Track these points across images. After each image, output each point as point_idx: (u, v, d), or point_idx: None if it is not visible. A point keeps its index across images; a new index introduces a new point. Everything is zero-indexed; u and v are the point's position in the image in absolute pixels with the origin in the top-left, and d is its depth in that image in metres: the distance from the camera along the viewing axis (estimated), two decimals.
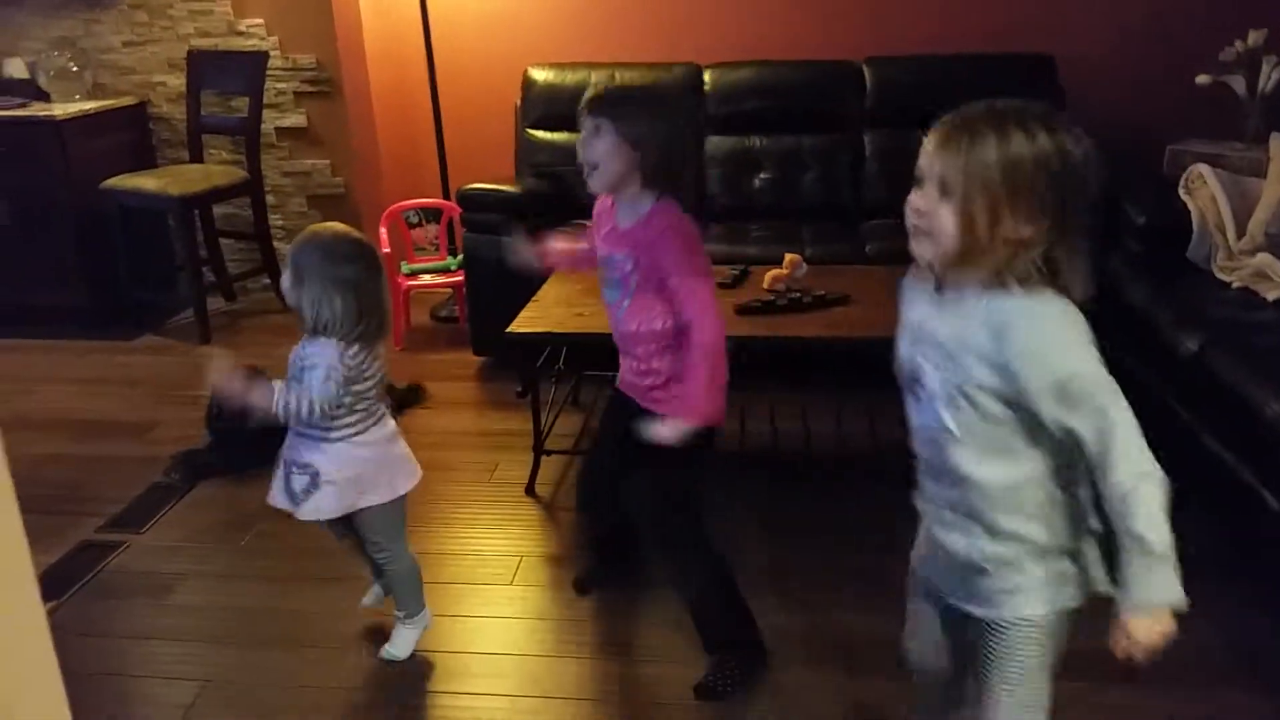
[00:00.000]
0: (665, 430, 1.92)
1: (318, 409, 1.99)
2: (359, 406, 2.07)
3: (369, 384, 2.07)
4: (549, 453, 2.99)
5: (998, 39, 3.95)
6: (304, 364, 2.02)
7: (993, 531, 1.39)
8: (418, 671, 2.25)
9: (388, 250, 4.07)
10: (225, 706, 2.16)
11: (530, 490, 2.96)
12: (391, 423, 2.18)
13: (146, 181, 4.18)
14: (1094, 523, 1.38)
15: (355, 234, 2.06)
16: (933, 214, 1.31)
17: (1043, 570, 1.40)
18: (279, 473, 2.14)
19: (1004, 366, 1.29)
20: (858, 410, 3.27)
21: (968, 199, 1.27)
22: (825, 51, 4.10)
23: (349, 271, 1.98)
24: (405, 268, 4.18)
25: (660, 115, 1.97)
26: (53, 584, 2.56)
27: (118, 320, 4.37)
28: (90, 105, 4.34)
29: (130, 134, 4.55)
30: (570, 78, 4.16)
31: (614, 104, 1.96)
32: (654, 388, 2.10)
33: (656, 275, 1.98)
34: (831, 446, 3.18)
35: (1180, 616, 1.30)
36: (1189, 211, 3.16)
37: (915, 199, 1.33)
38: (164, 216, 4.26)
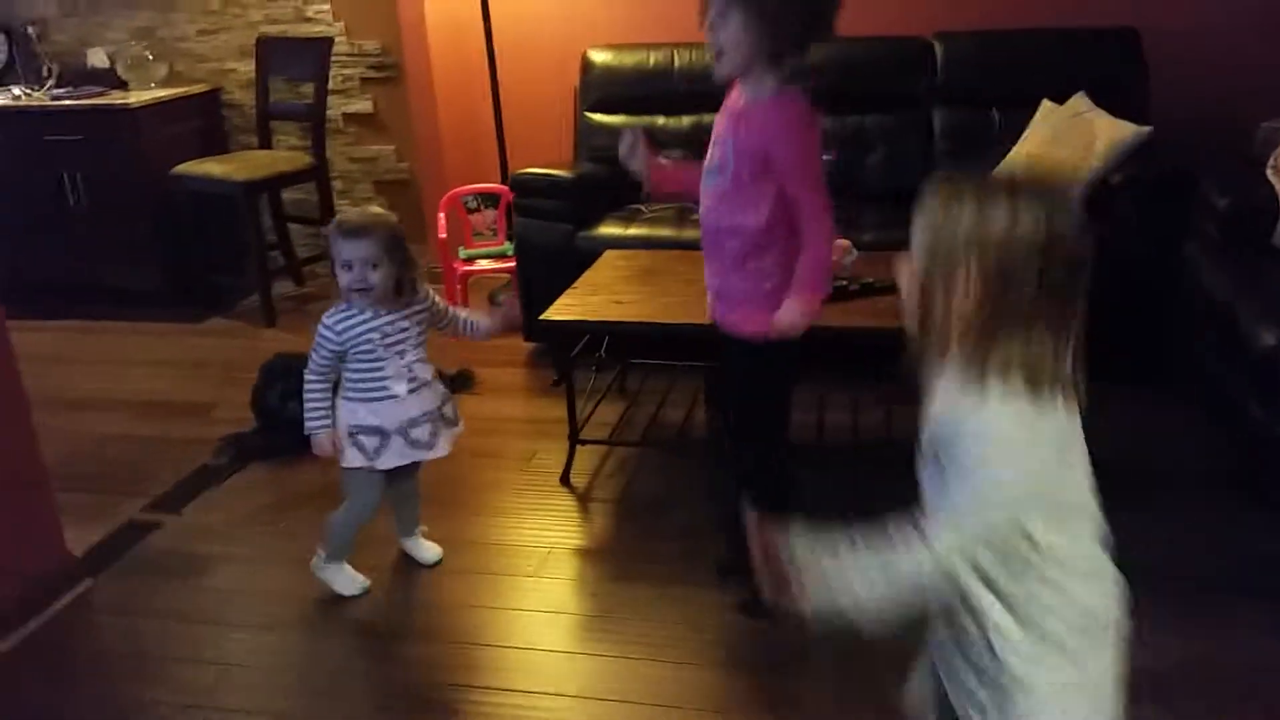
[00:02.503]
0: (784, 318, 1.97)
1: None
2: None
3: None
4: (584, 442, 2.93)
5: (1077, 12, 3.71)
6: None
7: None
8: (440, 662, 2.22)
9: (444, 235, 4.07)
10: (248, 691, 2.17)
11: (565, 480, 2.91)
12: None
13: (214, 167, 4.26)
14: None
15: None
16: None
17: None
18: (423, 429, 2.33)
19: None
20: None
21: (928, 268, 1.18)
22: (893, 26, 3.92)
23: None
24: (462, 253, 4.17)
25: None
26: (92, 562, 2.62)
27: (188, 302, 4.48)
28: (163, 93, 4.45)
29: (202, 120, 4.65)
30: (629, 59, 4.09)
31: None
32: (734, 302, 2.07)
33: (762, 163, 1.92)
34: (876, 440, 3.05)
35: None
36: (1278, 194, 2.92)
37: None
38: (233, 201, 4.35)
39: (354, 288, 2.19)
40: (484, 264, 4.14)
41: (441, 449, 2.38)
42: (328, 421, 2.30)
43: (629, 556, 2.57)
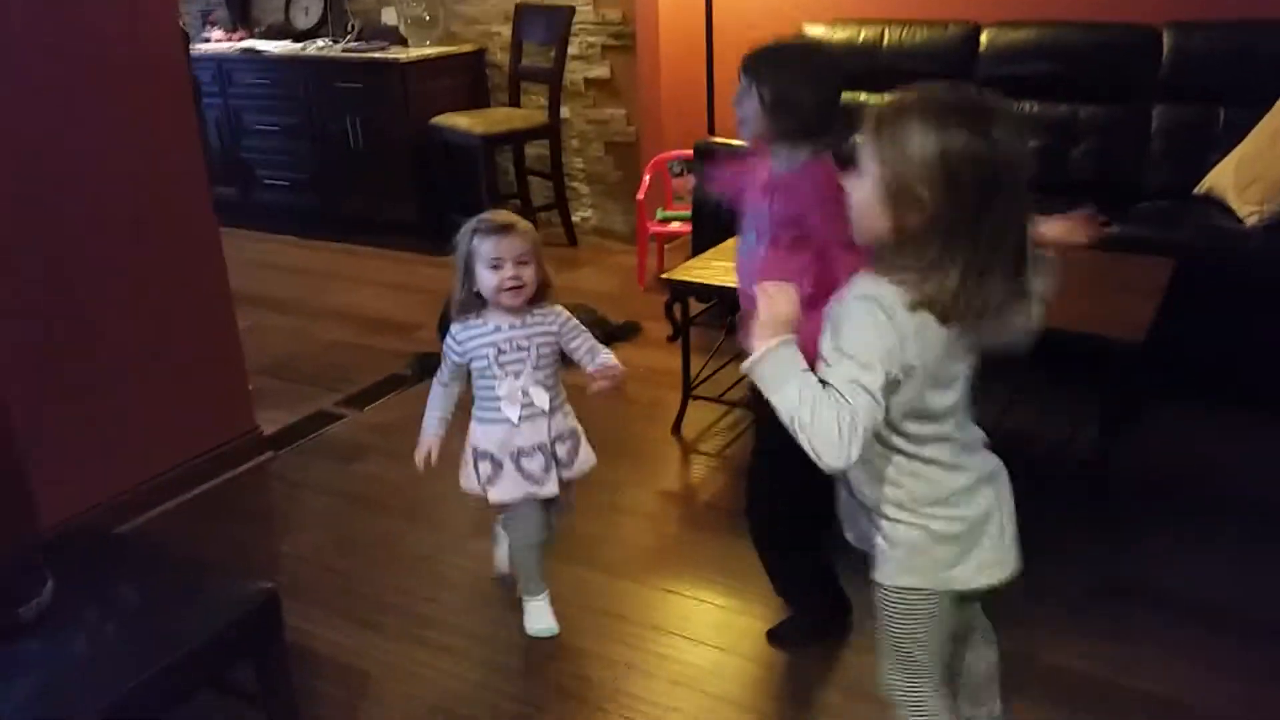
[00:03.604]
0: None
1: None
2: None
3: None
4: (697, 398, 3.13)
5: None
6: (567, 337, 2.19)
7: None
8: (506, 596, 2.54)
9: (642, 196, 4.35)
10: (353, 557, 2.63)
11: (676, 430, 3.12)
12: None
13: (461, 120, 4.80)
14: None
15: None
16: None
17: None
18: (534, 460, 2.17)
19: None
20: (1043, 404, 3.04)
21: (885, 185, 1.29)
22: (1120, 12, 3.69)
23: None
24: (660, 214, 4.44)
25: (804, 78, 1.95)
26: (279, 439, 3.19)
27: (434, 237, 5.08)
28: (432, 51, 5.05)
29: (467, 77, 5.21)
30: (841, 34, 4.14)
31: (760, 64, 1.98)
32: None
33: (799, 229, 2.00)
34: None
35: None
36: None
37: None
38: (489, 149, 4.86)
39: (507, 286, 2.07)
40: (675, 225, 4.38)
41: (550, 488, 2.19)
42: (431, 431, 2.26)
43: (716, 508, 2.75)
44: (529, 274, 2.08)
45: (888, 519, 1.43)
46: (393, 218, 5.12)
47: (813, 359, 1.43)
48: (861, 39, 4.09)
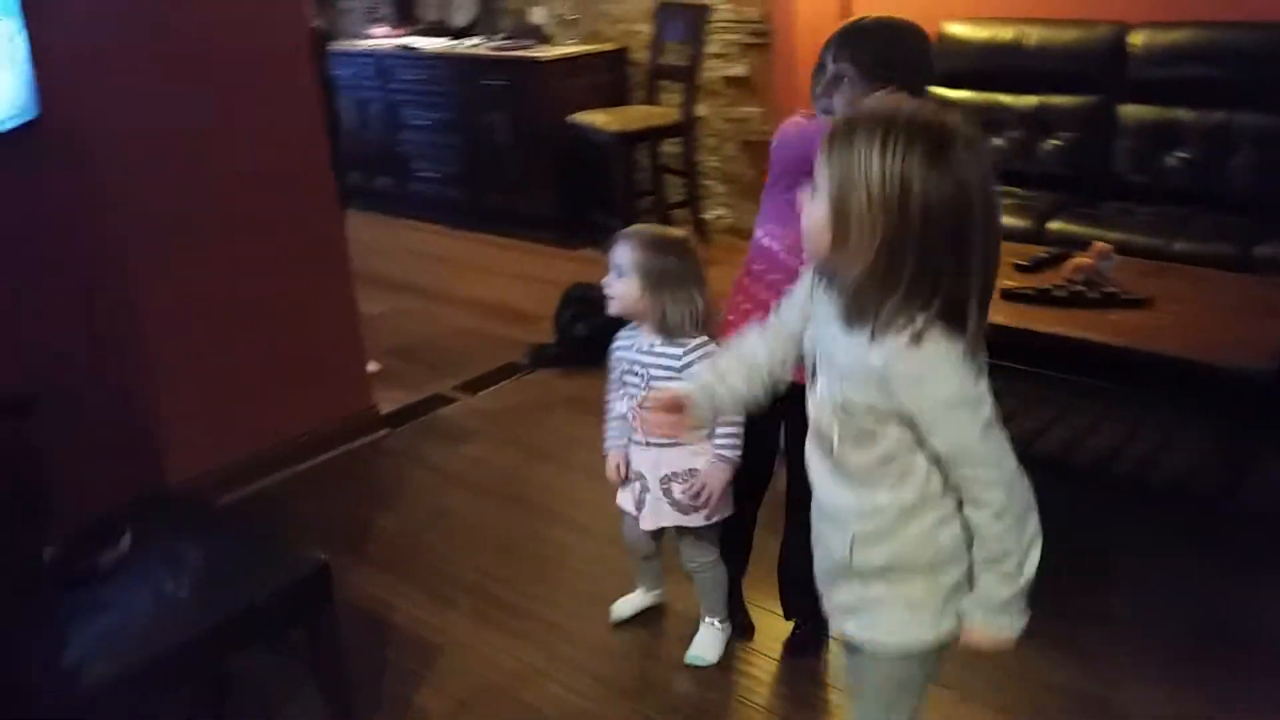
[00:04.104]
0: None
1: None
2: None
3: None
4: None
5: None
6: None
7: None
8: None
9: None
10: (448, 531, 2.76)
11: None
12: None
13: (598, 117, 4.89)
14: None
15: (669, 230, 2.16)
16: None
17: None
18: (650, 494, 2.08)
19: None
20: (1164, 436, 2.86)
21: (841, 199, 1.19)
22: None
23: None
24: None
25: (907, 56, 1.87)
26: (396, 417, 3.37)
27: (570, 232, 5.22)
28: (574, 49, 5.17)
29: (607, 75, 5.31)
30: (982, 33, 4.01)
31: (854, 37, 1.90)
32: None
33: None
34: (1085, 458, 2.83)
35: None
36: None
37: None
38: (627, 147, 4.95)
39: (603, 291, 2.04)
40: None
41: (645, 523, 2.11)
42: (609, 442, 2.17)
43: None
44: (621, 287, 1.99)
45: (896, 581, 1.34)
46: (532, 211, 5.28)
47: None
48: (1002, 38, 3.94)
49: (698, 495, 2.01)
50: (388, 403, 3.40)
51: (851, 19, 2.01)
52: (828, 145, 1.22)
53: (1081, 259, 2.76)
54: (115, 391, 2.64)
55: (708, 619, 2.24)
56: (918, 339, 1.19)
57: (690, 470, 2.02)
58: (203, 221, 2.73)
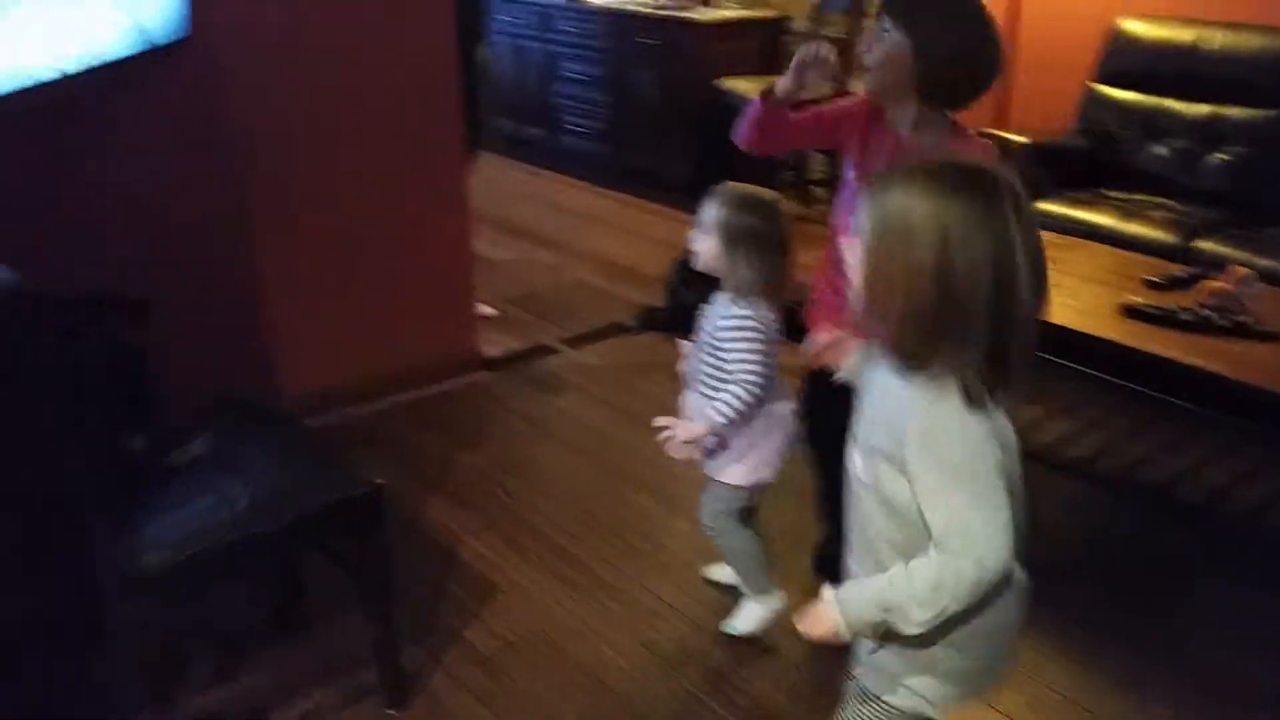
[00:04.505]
0: None
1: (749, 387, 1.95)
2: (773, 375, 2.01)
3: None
4: None
5: None
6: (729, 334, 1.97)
7: None
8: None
9: None
10: (530, 480, 2.84)
11: None
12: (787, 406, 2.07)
13: (742, 84, 4.83)
14: None
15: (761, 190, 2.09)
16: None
17: None
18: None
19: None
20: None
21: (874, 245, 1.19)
22: None
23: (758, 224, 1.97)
24: None
25: (958, 22, 1.80)
26: (497, 362, 3.45)
27: (695, 194, 5.18)
28: (731, 14, 5.11)
29: (761, 42, 5.23)
30: (1157, 32, 3.76)
31: (921, 6, 1.81)
32: None
33: None
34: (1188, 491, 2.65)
35: None
36: None
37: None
38: None
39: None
40: None
41: (675, 447, 2.04)
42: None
43: None
44: (703, 243, 1.99)
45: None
46: (669, 174, 5.28)
47: None
48: (1180, 39, 3.67)
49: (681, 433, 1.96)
50: (492, 346, 3.49)
51: None
52: (870, 192, 1.21)
53: (1219, 282, 2.58)
54: (230, 304, 2.80)
55: (744, 591, 2.23)
56: (939, 393, 1.17)
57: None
58: (327, 146, 2.86)
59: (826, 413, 1.65)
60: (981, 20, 1.85)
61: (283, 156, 2.78)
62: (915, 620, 1.20)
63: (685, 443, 1.99)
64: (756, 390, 1.94)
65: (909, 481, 1.20)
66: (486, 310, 3.72)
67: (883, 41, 1.83)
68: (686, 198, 5.10)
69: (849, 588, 1.30)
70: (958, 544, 1.17)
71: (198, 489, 1.75)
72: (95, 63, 2.16)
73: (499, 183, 3.94)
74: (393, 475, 2.30)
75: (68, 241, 2.32)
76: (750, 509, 2.16)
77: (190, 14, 2.46)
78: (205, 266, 2.68)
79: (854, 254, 1.24)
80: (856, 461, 1.32)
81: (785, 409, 2.06)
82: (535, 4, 5.78)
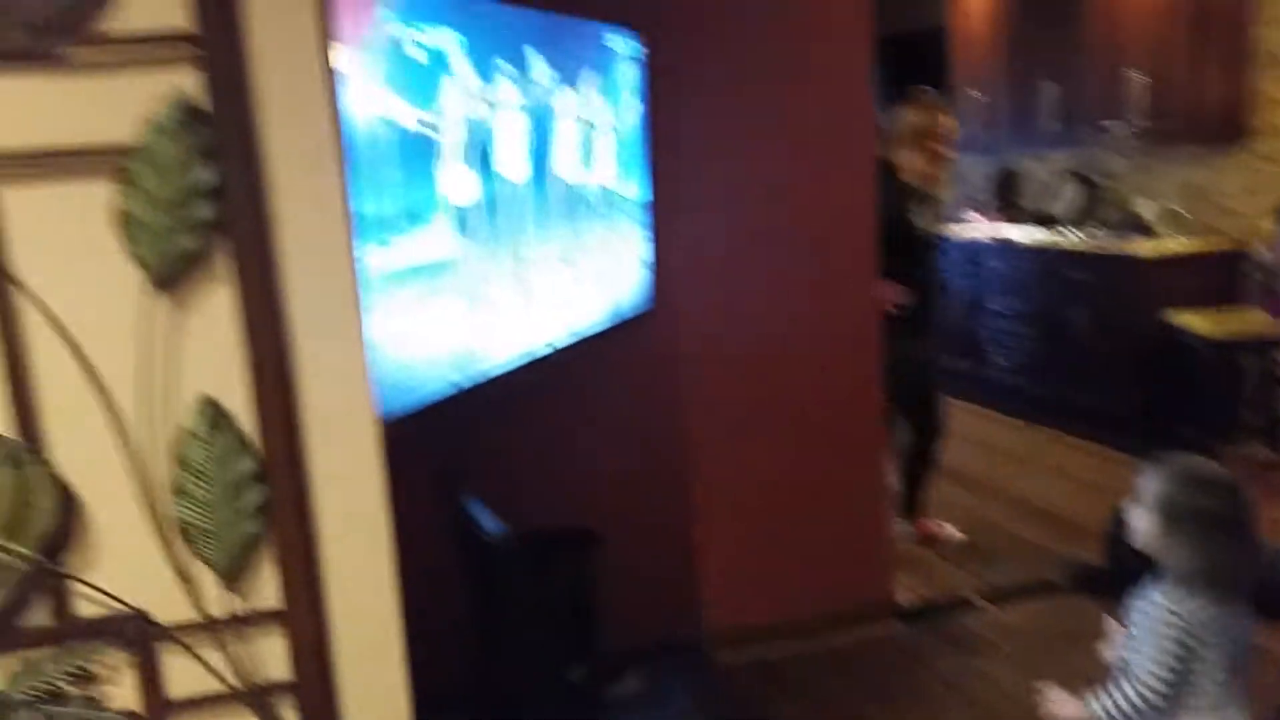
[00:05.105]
0: None
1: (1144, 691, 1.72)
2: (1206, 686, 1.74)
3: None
4: None
5: None
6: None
7: None
8: None
9: None
10: None
11: None
12: None
13: (1197, 320, 4.48)
14: None
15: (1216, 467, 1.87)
16: None
17: None
18: None
19: None
20: None
21: None
22: None
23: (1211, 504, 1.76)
24: None
25: None
26: (912, 612, 3.37)
27: (1149, 440, 4.75)
28: (1179, 247, 4.81)
29: (1215, 274, 4.82)
30: None
31: None
32: None
33: None
34: None
35: None
36: None
37: None
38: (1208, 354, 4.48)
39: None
40: None
41: None
42: None
43: None
44: (1139, 519, 1.85)
45: None
46: (1105, 412, 4.96)
47: None
48: None
49: None
50: (905, 592, 3.42)
51: None
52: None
53: None
54: (664, 538, 3.04)
55: None
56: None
57: None
58: (759, 400, 3.09)
59: None
60: None
61: (719, 409, 3.05)
62: None
63: None
64: (1154, 699, 1.71)
65: None
66: (952, 532, 3.71)
67: None
68: (1122, 438, 4.78)
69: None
70: None
71: None
72: (577, 338, 2.57)
73: None
74: None
75: (537, 478, 2.71)
76: None
77: (655, 293, 2.87)
78: (643, 502, 2.97)
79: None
80: None
81: None
82: (963, 244, 5.85)
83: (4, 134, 1.22)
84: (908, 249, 3.55)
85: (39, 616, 1.30)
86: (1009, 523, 4.09)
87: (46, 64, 1.22)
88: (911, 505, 3.97)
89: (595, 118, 2.59)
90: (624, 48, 2.70)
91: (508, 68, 2.19)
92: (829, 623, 3.22)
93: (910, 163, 3.66)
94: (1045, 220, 5.77)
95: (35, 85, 1.23)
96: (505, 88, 2.18)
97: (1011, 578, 3.58)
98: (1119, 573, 3.37)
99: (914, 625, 3.31)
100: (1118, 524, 3.50)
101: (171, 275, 1.28)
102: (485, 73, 2.11)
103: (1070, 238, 5.32)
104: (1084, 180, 5.70)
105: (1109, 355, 4.94)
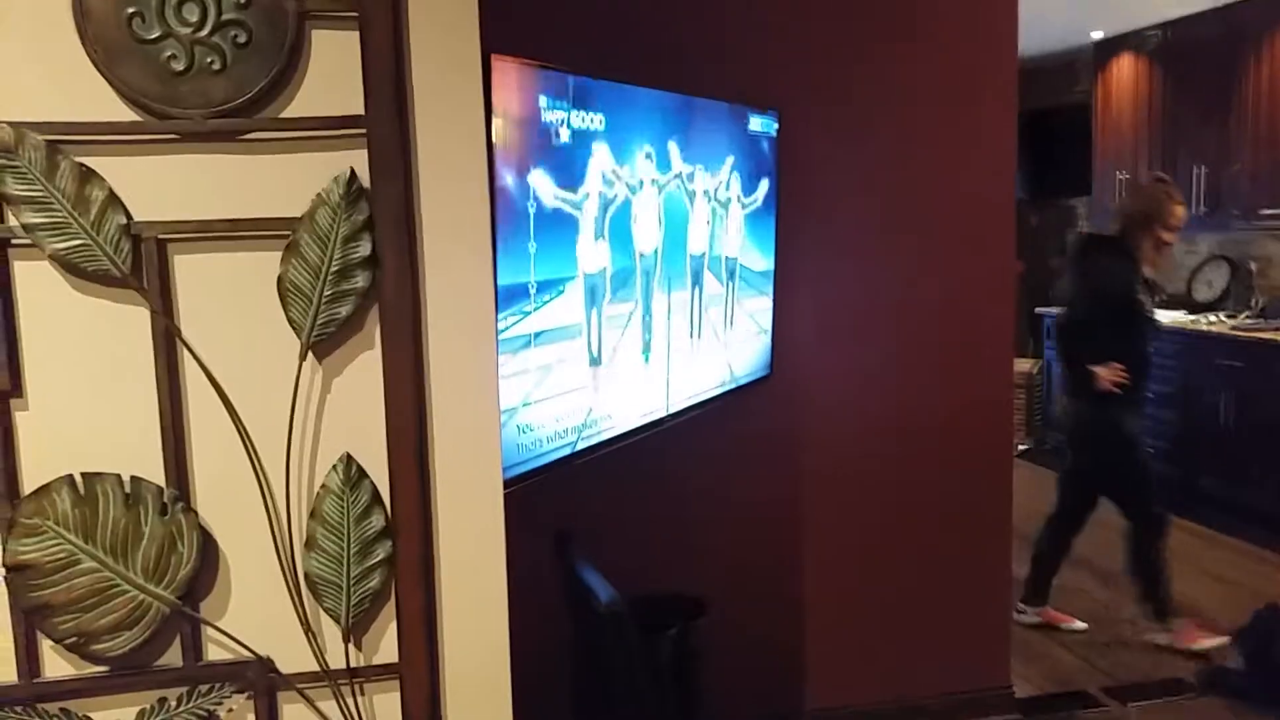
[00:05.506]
0: None
1: None
2: None
3: None
4: None
5: None
6: None
7: None
8: None
9: None
10: None
11: None
12: None
13: None
14: None
15: None
16: None
17: None
18: None
19: None
20: None
21: None
22: None
23: None
24: None
25: None
26: (1030, 704, 3.22)
27: None
28: None
29: None
30: None
31: None
32: None
33: None
34: None
35: None
36: None
37: None
38: None
39: None
40: None
41: None
42: None
43: None
44: None
45: None
46: (1252, 506, 4.69)
47: None
48: None
49: None
50: (1021, 682, 3.28)
51: None
52: None
53: None
54: (770, 610, 3.00)
55: None
56: None
57: None
58: (878, 470, 3.04)
59: None
60: None
61: (834, 471, 3.01)
62: None
63: None
64: None
65: None
66: (1072, 622, 3.68)
67: None
68: (1269, 534, 4.49)
69: None
70: None
71: None
72: (696, 404, 2.59)
73: (1041, 494, 3.80)
74: None
75: (649, 543, 2.72)
76: None
77: (772, 360, 2.87)
78: (754, 573, 2.94)
79: None
80: None
81: None
82: None
83: (181, 206, 1.33)
84: (1135, 328, 3.63)
85: (171, 657, 1.38)
86: (1140, 617, 3.88)
87: (226, 143, 1.33)
88: (1038, 590, 3.85)
89: (727, 193, 2.64)
90: (759, 125, 2.75)
91: (647, 147, 2.26)
92: (943, 709, 3.12)
93: (1142, 245, 3.65)
94: (1188, 303, 5.54)
95: (214, 162, 1.33)
96: (644, 166, 2.25)
97: (1138, 674, 3.40)
98: (1256, 676, 3.19)
99: (1031, 717, 3.17)
100: (1259, 623, 3.32)
101: (323, 339, 1.36)
102: (626, 153, 2.19)
103: (1219, 321, 5.09)
104: (1232, 264, 5.46)
105: (1255, 444, 4.69)
